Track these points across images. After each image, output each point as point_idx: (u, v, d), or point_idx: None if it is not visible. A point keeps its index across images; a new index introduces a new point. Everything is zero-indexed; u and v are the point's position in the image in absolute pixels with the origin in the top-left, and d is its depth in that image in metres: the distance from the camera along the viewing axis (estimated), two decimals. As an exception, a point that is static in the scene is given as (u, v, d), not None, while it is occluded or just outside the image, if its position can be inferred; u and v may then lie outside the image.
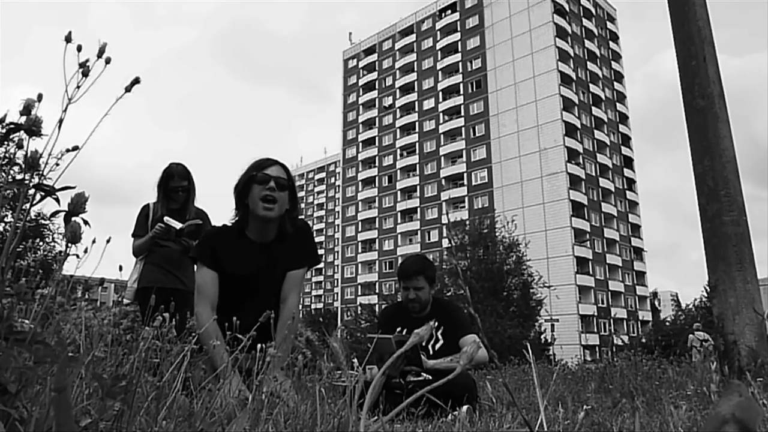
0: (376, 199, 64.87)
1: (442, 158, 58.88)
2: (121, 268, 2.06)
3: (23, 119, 0.89)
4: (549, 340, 28.49)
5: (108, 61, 0.93)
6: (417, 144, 61.89)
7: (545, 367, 8.03)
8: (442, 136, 59.62)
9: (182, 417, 1.20)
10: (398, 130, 64.17)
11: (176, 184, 3.67)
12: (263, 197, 2.28)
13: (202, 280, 2.30)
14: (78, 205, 0.88)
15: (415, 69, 64.35)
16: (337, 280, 73.37)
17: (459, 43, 60.28)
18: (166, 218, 3.56)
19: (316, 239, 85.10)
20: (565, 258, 48.95)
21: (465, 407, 2.39)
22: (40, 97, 0.92)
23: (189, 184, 3.73)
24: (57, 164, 0.98)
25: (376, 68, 68.63)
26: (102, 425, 0.87)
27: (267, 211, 2.28)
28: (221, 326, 1.91)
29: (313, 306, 77.34)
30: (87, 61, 0.92)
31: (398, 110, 64.70)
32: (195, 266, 2.39)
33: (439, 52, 61.96)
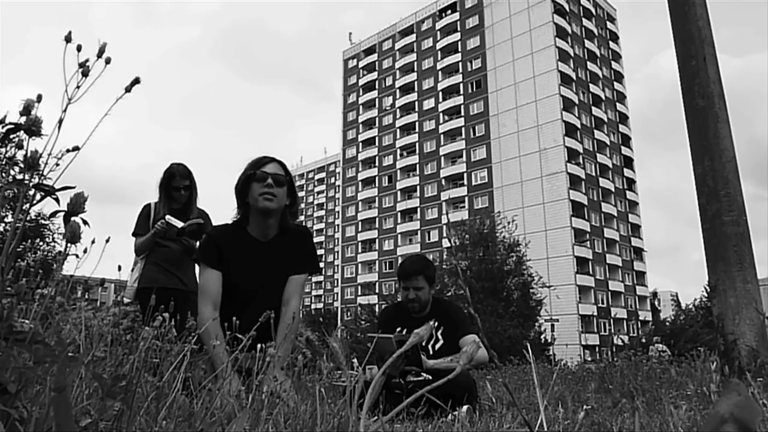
0: (376, 199, 64.85)
1: (442, 158, 58.87)
2: (120, 268, 2.06)
3: (23, 119, 0.89)
4: (549, 340, 28.48)
5: (108, 61, 0.93)
6: (417, 144, 61.88)
7: (545, 367, 8.03)
8: (442, 136, 59.61)
9: (182, 417, 1.20)
10: (398, 130, 64.15)
11: (178, 183, 3.67)
12: (262, 194, 2.33)
13: (205, 281, 2.34)
14: (77, 205, 0.88)
15: (415, 69, 64.33)
16: (337, 280, 73.35)
17: (459, 43, 60.26)
18: (167, 217, 3.56)
19: (316, 239, 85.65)
20: (565, 258, 48.94)
21: (465, 407, 2.39)
22: (39, 98, 0.92)
23: (190, 183, 3.73)
24: (57, 164, 0.98)
25: (376, 68, 68.61)
26: (102, 425, 0.87)
27: (267, 202, 2.33)
28: (222, 326, 1.92)
29: (313, 306, 77.31)
30: (87, 61, 0.92)
31: (398, 110, 64.68)
32: (198, 267, 2.42)
33: (439, 52, 61.95)
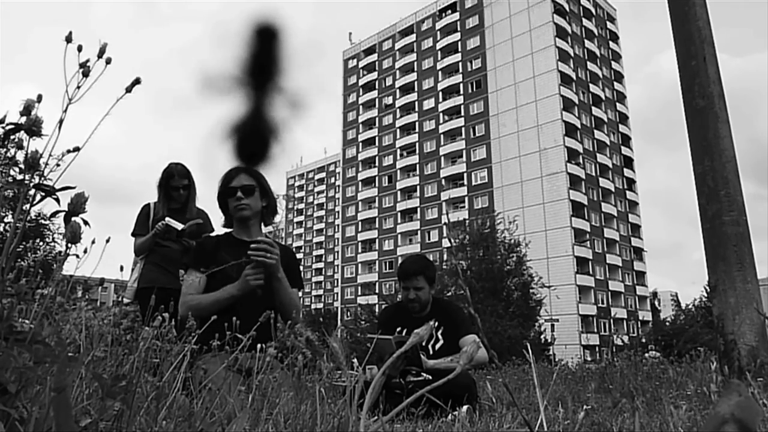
0: (376, 199, 64.84)
1: (442, 158, 58.86)
2: (122, 269, 2.07)
3: (23, 119, 0.89)
4: (549, 340, 28.46)
5: (108, 61, 0.93)
6: (417, 144, 61.87)
7: (545, 367, 8.03)
8: (442, 136, 59.59)
9: (182, 417, 1.20)
10: (398, 130, 64.13)
11: (176, 183, 3.67)
12: (235, 206, 2.58)
13: (187, 285, 2.51)
14: (78, 205, 0.88)
15: (415, 69, 64.31)
16: (337, 280, 73.34)
17: (459, 43, 60.24)
18: (167, 219, 3.55)
19: (316, 239, 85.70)
20: (565, 258, 48.93)
21: (465, 407, 2.39)
22: (39, 98, 0.92)
23: (189, 183, 3.73)
24: (58, 165, 0.98)
25: (376, 68, 68.58)
26: (102, 425, 0.87)
27: (241, 212, 2.57)
28: (220, 327, 1.92)
29: (313, 306, 77.28)
30: (87, 61, 0.92)
31: (398, 110, 64.67)
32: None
33: (439, 52, 61.93)
